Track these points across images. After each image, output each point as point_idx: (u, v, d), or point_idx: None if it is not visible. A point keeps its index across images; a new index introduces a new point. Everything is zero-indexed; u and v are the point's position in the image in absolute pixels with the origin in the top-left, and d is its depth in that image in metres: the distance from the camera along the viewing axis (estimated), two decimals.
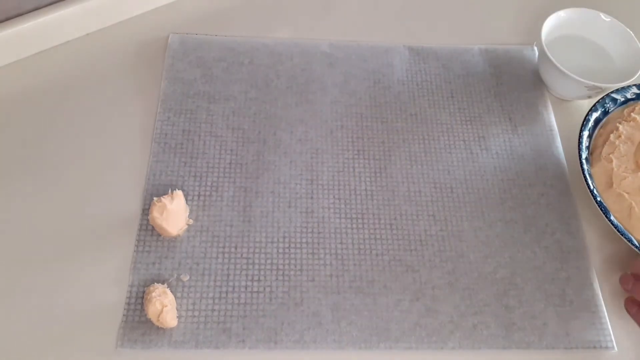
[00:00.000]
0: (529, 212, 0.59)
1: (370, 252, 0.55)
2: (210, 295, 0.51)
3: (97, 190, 0.56)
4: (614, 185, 0.57)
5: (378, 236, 0.56)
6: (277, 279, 0.53)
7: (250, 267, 0.53)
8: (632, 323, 0.53)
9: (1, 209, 0.54)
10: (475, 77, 0.68)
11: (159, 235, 0.54)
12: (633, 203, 0.56)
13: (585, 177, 0.56)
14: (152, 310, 0.47)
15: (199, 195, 0.57)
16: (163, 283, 0.51)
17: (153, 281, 0.51)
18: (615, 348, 0.52)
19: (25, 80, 0.62)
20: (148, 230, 0.54)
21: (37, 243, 0.53)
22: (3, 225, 0.53)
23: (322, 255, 0.54)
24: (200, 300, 0.51)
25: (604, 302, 0.54)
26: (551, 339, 0.52)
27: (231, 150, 0.60)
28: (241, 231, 0.55)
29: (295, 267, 0.53)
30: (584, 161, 0.57)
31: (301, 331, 0.50)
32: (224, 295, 0.51)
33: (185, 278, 0.52)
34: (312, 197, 0.57)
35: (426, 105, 0.65)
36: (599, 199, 0.56)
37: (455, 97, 0.66)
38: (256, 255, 0.54)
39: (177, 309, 0.50)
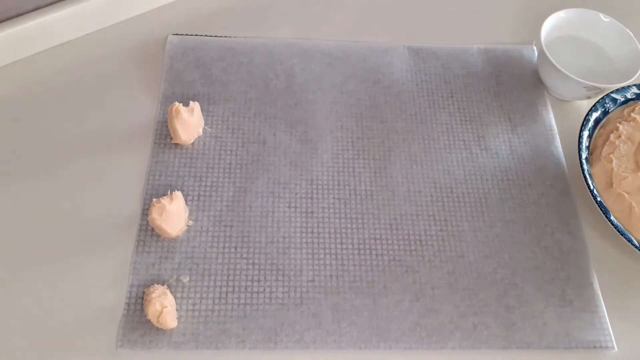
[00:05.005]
0: (529, 212, 0.59)
1: (370, 252, 0.55)
2: (210, 296, 0.51)
3: (96, 190, 0.56)
4: (614, 185, 0.57)
5: (378, 236, 0.56)
6: (277, 280, 0.53)
7: (250, 267, 0.53)
8: (632, 323, 0.53)
9: (0, 210, 0.54)
10: (474, 77, 0.68)
11: (159, 236, 0.54)
12: (633, 203, 0.56)
13: (585, 177, 0.56)
14: (152, 311, 0.47)
15: (198, 196, 0.56)
16: (163, 284, 0.51)
17: (153, 282, 0.51)
18: (615, 348, 0.52)
19: (26, 80, 0.62)
20: (148, 231, 0.54)
21: (37, 244, 0.53)
22: (2, 226, 0.53)
23: (321, 256, 0.54)
24: (200, 301, 0.51)
25: (604, 302, 0.54)
26: (551, 339, 0.52)
27: (231, 151, 0.60)
28: (241, 232, 0.55)
29: (295, 267, 0.53)
30: (584, 161, 0.57)
31: (301, 332, 0.50)
32: (223, 296, 0.51)
33: (185, 279, 0.52)
34: (311, 198, 0.57)
35: (426, 105, 0.65)
36: (599, 199, 0.56)
37: (454, 97, 0.66)
38: (256, 256, 0.54)
39: (177, 310, 0.50)
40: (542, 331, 0.52)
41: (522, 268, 0.55)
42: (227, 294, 0.52)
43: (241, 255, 0.54)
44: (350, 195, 0.58)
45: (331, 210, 0.57)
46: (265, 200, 0.57)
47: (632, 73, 0.63)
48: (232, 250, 0.54)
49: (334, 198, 0.58)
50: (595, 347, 0.52)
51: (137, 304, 0.50)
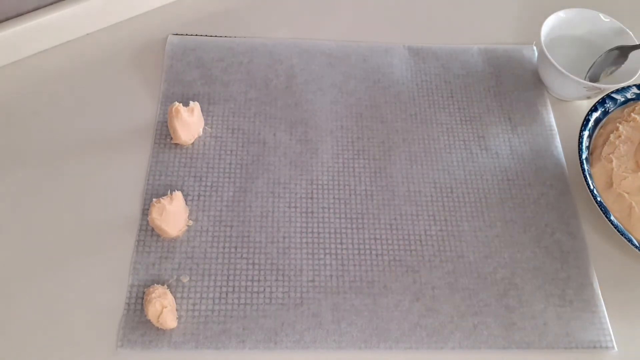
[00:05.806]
0: (529, 212, 0.59)
1: (370, 252, 0.55)
2: (210, 296, 0.51)
3: (97, 191, 0.56)
4: (614, 185, 0.57)
5: (378, 236, 0.56)
6: (277, 280, 0.53)
7: (250, 267, 0.53)
8: (632, 323, 0.53)
9: (0, 210, 0.54)
10: (474, 77, 0.68)
11: (159, 236, 0.54)
12: (633, 203, 0.56)
13: (585, 177, 0.56)
14: (152, 311, 0.47)
15: (198, 196, 0.56)
16: (163, 284, 0.51)
17: (153, 282, 0.51)
18: (615, 348, 0.52)
19: (26, 80, 0.62)
20: (148, 231, 0.54)
21: (38, 244, 0.53)
22: (3, 227, 0.53)
23: (321, 256, 0.54)
24: (200, 301, 0.51)
25: (604, 302, 0.54)
26: (551, 339, 0.52)
27: (231, 151, 0.60)
28: (241, 232, 0.55)
29: (295, 267, 0.53)
30: (584, 161, 0.57)
31: (301, 332, 0.50)
32: (223, 296, 0.51)
33: (185, 279, 0.52)
34: (311, 198, 0.57)
35: (426, 105, 0.65)
36: (599, 199, 0.56)
37: (454, 97, 0.66)
38: (256, 256, 0.54)
39: (177, 310, 0.50)
40: (542, 331, 0.52)
41: (522, 268, 0.55)
42: (227, 294, 0.52)
43: (241, 255, 0.54)
44: (350, 195, 0.58)
45: (331, 210, 0.57)
46: (265, 200, 0.57)
47: (632, 73, 0.63)
48: (232, 250, 0.54)
49: (334, 198, 0.58)
50: (595, 347, 0.52)
51: (137, 304, 0.50)
